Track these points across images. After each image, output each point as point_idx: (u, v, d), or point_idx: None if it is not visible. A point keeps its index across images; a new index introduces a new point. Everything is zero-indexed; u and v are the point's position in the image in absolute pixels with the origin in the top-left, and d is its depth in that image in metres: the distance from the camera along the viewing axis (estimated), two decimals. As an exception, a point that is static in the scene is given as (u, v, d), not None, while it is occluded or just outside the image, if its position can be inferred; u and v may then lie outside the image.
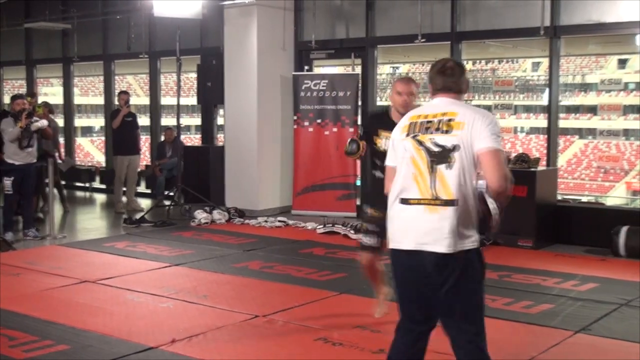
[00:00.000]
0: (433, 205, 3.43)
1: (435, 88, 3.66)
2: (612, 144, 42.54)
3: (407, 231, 3.50)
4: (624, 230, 8.21)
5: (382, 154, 4.55)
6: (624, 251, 8.15)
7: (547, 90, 9.74)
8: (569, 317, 5.83)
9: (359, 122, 10.93)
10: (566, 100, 40.14)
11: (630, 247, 8.13)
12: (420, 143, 3.52)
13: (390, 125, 4.35)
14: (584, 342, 5.31)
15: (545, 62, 10.13)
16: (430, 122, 3.54)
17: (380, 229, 5.05)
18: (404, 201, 3.51)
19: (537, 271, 7.47)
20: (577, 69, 43.47)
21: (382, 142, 5.19)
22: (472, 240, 3.47)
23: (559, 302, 6.31)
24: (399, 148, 3.61)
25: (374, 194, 5.05)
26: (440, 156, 3.46)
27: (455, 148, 3.44)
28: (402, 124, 3.66)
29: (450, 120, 3.50)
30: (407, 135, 3.58)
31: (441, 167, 3.44)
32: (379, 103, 11.72)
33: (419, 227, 3.46)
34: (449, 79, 3.62)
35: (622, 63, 42.99)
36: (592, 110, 41.60)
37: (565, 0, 9.24)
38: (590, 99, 42.58)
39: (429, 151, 3.49)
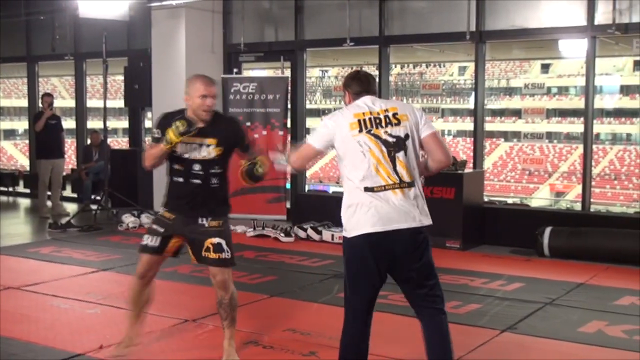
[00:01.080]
0: (400, 189, 3.91)
1: (355, 92, 4.16)
2: (536, 147, 43.62)
3: (379, 215, 3.87)
4: (547, 230, 8.41)
5: (182, 159, 4.72)
6: (548, 251, 8.35)
7: (473, 94, 9.93)
8: (496, 317, 5.95)
9: (289, 125, 10.95)
10: (492, 103, 40.99)
11: (553, 248, 8.34)
12: (377, 137, 3.95)
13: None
14: (510, 340, 5.42)
15: (471, 67, 10.32)
16: (378, 118, 4.00)
17: (166, 231, 4.80)
18: (369, 189, 3.90)
19: (464, 272, 7.60)
20: (502, 73, 44.41)
21: (181, 147, 4.68)
22: (429, 216, 4.00)
23: (486, 302, 6.43)
24: (350, 142, 3.95)
25: (171, 198, 4.83)
26: (397, 145, 3.95)
27: (406, 137, 3.98)
28: (347, 121, 4.00)
29: (395, 114, 4.02)
30: (360, 131, 3.96)
31: (399, 155, 3.95)
32: (308, 106, 11.75)
33: (391, 209, 3.88)
34: (365, 84, 4.17)
35: (545, 68, 44.11)
36: (517, 113, 42.58)
37: (490, 6, 9.43)
38: (514, 102, 43.56)
39: (386, 142, 3.95)
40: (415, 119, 4.03)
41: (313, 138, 4.11)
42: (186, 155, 4.71)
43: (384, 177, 3.90)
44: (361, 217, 3.89)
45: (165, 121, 4.76)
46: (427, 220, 3.97)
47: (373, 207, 3.87)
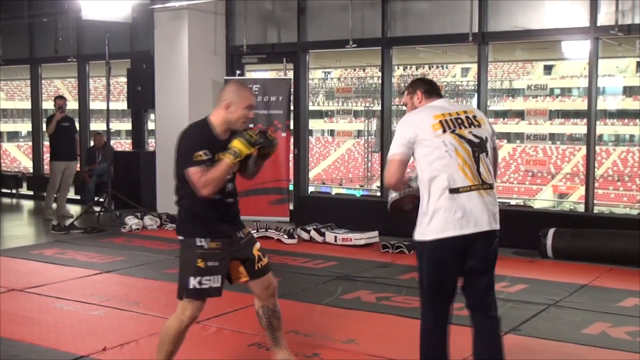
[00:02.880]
0: (483, 190, 3.88)
1: (427, 91, 4.13)
2: (539, 148, 43.59)
3: (465, 217, 3.82)
4: (551, 232, 8.40)
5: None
6: (552, 253, 8.34)
7: (476, 95, 9.93)
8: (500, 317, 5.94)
9: (291, 127, 10.96)
10: (494, 105, 40.97)
11: (557, 249, 8.33)
12: (461, 136, 3.90)
13: (218, 144, 4.17)
14: (514, 342, 5.41)
15: (474, 68, 10.32)
16: (459, 118, 3.97)
17: (223, 264, 4.28)
18: (454, 190, 3.82)
19: (467, 273, 7.58)
20: (504, 75, 44.40)
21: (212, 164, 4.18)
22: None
23: (489, 303, 6.41)
24: (434, 143, 3.86)
25: (211, 223, 4.25)
26: (480, 146, 3.94)
27: (486, 139, 3.99)
28: (428, 122, 3.91)
29: (474, 116, 4.03)
30: (444, 131, 3.88)
31: (482, 156, 3.93)
32: (311, 108, 11.76)
33: (476, 211, 3.84)
34: (435, 86, 4.21)
35: (548, 69, 44.10)
36: (520, 115, 42.54)
37: (492, 8, 9.43)
38: (517, 104, 43.54)
39: (471, 142, 3.91)
40: (490, 127, 4.08)
41: (394, 148, 3.92)
42: None
43: (469, 177, 3.85)
44: (446, 219, 3.81)
45: (202, 137, 4.23)
46: (498, 225, 3.97)
47: (459, 209, 3.81)
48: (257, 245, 4.46)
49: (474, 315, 4.11)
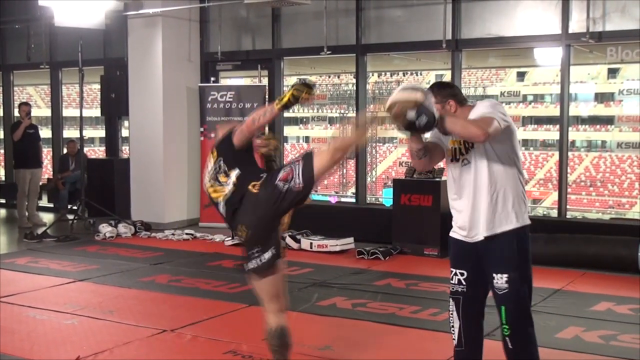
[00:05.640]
0: None
1: (460, 100, 4.10)
2: (512, 154, 43.74)
3: None
4: (524, 237, 8.44)
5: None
6: (525, 258, 8.38)
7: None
8: (474, 323, 5.97)
9: (266, 133, 10.93)
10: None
11: (531, 254, 8.36)
12: None
13: None
14: (489, 347, 5.41)
15: (447, 75, 10.35)
16: None
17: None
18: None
19: (443, 279, 7.57)
20: (478, 82, 44.65)
21: None
22: None
23: (464, 308, 6.43)
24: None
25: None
26: None
27: None
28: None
29: None
30: None
31: None
32: (286, 115, 11.76)
33: None
34: (460, 90, 4.33)
35: (521, 76, 44.40)
36: (493, 121, 42.75)
37: (466, 15, 9.50)
38: (491, 110, 43.65)
39: None
40: None
41: (507, 119, 3.92)
42: None
43: None
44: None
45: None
46: None
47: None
48: None
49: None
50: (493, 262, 4.01)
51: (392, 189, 9.65)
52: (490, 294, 4.14)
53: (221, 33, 11.34)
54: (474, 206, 3.97)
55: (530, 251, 4.21)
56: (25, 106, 11.49)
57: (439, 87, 4.11)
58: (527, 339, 4.11)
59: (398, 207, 9.21)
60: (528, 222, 4.14)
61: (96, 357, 5.15)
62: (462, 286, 4.09)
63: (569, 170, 9.35)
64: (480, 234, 3.99)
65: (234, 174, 4.18)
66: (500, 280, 4.00)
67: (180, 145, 11.16)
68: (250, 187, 4.09)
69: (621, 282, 7.47)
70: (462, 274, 4.09)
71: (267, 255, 4.17)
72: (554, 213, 9.56)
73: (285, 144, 12.67)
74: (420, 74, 43.80)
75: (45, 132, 14.86)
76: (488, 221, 3.96)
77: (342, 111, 41.30)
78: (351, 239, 9.22)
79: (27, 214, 11.57)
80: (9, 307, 6.59)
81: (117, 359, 5.14)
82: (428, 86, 4.07)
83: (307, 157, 4.04)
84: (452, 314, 4.14)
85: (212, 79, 11.59)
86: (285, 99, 4.22)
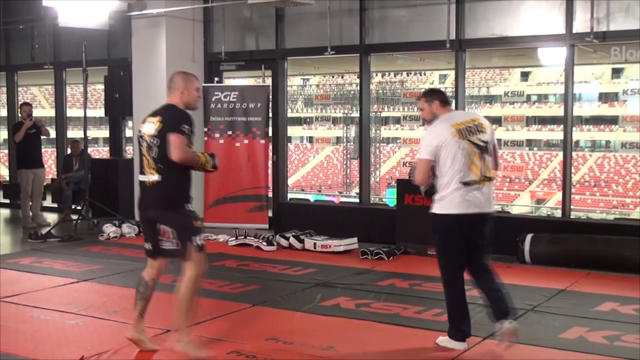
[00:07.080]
0: (484, 182, 5.20)
1: (443, 100, 5.38)
2: (516, 154, 43.79)
3: (470, 202, 5.14)
4: (528, 237, 8.44)
5: None
6: (529, 258, 8.38)
7: (453, 102, 9.96)
8: (478, 324, 5.95)
9: (270, 134, 10.97)
10: (472, 111, 41.04)
11: (534, 254, 8.37)
12: (472, 142, 5.16)
13: None
14: (493, 347, 5.43)
15: (451, 75, 10.36)
16: (469, 127, 5.21)
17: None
18: (465, 184, 5.11)
19: (446, 279, 7.60)
20: (482, 81, 44.60)
21: None
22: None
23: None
24: (454, 147, 5.10)
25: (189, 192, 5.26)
26: (485, 149, 5.22)
27: (488, 142, 5.26)
28: (449, 130, 5.14)
29: (480, 124, 5.29)
30: (461, 138, 5.14)
31: (486, 156, 5.22)
32: (289, 114, 11.77)
33: (479, 198, 5.17)
34: (446, 96, 5.46)
35: (525, 76, 44.35)
36: (497, 121, 42.63)
37: (469, 15, 9.49)
38: (495, 110, 43.65)
39: (479, 147, 5.18)
40: (491, 130, 5.30)
41: (424, 153, 5.19)
42: None
43: (476, 174, 5.14)
44: (458, 202, 5.11)
45: (187, 115, 5.16)
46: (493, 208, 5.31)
47: (468, 196, 5.11)
48: None
49: (474, 274, 5.44)
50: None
51: (395, 189, 9.65)
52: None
53: (225, 33, 11.34)
54: None
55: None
56: (26, 107, 11.49)
57: (430, 92, 5.44)
58: None
59: (402, 207, 9.21)
60: (439, 211, 5.24)
61: (100, 357, 5.15)
62: None
63: (573, 171, 9.34)
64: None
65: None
66: None
67: (184, 146, 11.14)
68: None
69: (625, 283, 7.45)
70: None
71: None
72: (558, 213, 9.56)
73: (289, 144, 12.68)
74: (424, 74, 43.79)
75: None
76: None
77: (346, 111, 41.27)
78: (355, 239, 9.22)
79: (31, 214, 11.59)
80: (13, 307, 6.60)
81: (121, 359, 5.14)
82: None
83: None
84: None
85: (216, 79, 11.60)
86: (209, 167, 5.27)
